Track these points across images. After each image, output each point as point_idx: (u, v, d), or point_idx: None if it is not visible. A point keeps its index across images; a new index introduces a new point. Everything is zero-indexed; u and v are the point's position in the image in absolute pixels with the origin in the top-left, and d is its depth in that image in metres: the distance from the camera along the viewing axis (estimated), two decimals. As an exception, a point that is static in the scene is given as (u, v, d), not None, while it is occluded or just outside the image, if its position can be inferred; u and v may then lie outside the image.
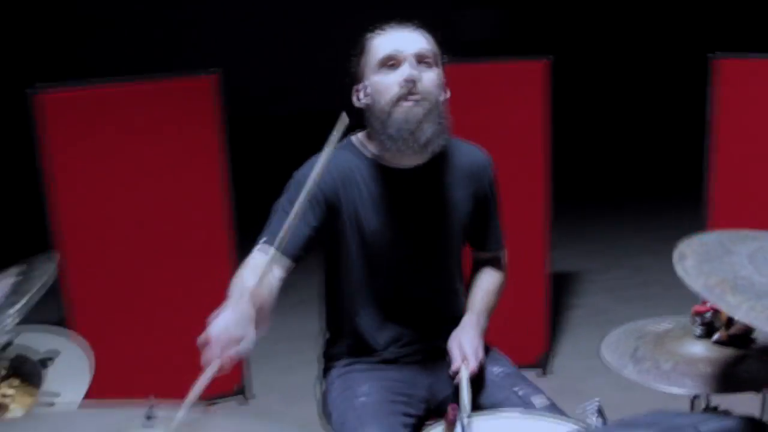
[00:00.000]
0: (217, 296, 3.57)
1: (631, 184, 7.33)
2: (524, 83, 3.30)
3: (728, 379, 1.66)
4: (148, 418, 1.28)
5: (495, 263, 2.21)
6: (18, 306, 1.34)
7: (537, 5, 11.09)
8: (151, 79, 3.04)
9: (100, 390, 1.64)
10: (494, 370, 2.04)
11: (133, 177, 3.06)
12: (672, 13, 10.85)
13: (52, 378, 1.54)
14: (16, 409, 1.48)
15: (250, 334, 1.52)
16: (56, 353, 1.59)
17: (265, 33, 10.91)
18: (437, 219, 2.04)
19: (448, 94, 1.98)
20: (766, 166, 3.16)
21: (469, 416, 1.74)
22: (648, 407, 1.54)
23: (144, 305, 3.17)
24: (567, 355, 3.88)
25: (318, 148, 1.67)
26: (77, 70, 9.27)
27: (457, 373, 1.91)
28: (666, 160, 8.08)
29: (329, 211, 1.95)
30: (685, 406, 1.87)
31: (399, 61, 1.90)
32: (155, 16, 10.48)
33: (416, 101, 1.88)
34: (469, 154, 2.10)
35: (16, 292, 1.41)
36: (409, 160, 1.96)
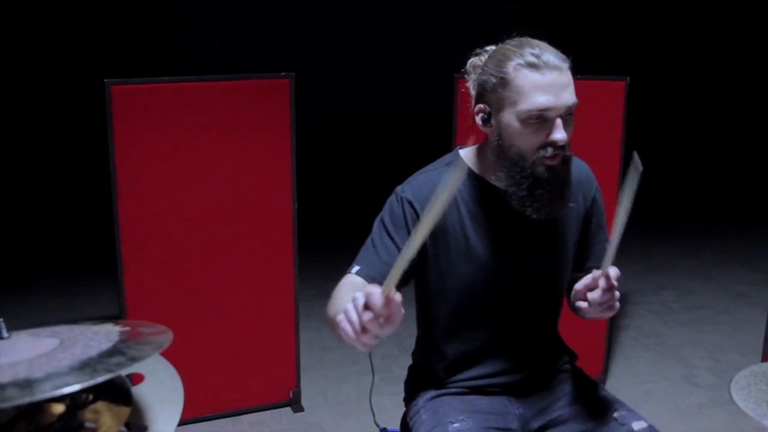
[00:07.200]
0: (278, 296, 3.48)
1: (682, 206, 7.19)
2: (605, 101, 3.18)
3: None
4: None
5: None
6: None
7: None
8: (223, 78, 3.00)
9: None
10: (591, 394, 1.94)
11: (199, 173, 3.02)
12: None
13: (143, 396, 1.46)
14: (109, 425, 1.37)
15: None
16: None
17: (341, 37, 10.96)
18: (549, 244, 1.86)
19: None
20: None
21: None
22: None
23: (202, 303, 3.14)
24: (621, 377, 3.76)
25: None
26: (163, 65, 9.53)
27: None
28: (717, 183, 7.97)
29: (430, 238, 1.74)
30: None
31: (550, 118, 1.67)
32: (238, 14, 10.64)
33: (557, 162, 1.70)
34: (574, 167, 1.83)
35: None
36: None
